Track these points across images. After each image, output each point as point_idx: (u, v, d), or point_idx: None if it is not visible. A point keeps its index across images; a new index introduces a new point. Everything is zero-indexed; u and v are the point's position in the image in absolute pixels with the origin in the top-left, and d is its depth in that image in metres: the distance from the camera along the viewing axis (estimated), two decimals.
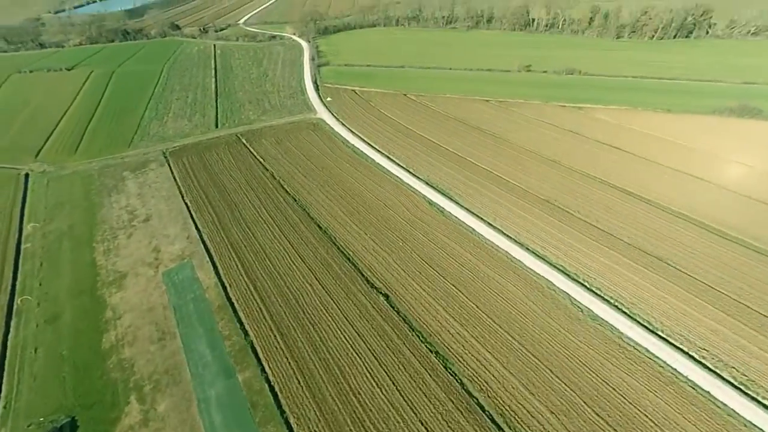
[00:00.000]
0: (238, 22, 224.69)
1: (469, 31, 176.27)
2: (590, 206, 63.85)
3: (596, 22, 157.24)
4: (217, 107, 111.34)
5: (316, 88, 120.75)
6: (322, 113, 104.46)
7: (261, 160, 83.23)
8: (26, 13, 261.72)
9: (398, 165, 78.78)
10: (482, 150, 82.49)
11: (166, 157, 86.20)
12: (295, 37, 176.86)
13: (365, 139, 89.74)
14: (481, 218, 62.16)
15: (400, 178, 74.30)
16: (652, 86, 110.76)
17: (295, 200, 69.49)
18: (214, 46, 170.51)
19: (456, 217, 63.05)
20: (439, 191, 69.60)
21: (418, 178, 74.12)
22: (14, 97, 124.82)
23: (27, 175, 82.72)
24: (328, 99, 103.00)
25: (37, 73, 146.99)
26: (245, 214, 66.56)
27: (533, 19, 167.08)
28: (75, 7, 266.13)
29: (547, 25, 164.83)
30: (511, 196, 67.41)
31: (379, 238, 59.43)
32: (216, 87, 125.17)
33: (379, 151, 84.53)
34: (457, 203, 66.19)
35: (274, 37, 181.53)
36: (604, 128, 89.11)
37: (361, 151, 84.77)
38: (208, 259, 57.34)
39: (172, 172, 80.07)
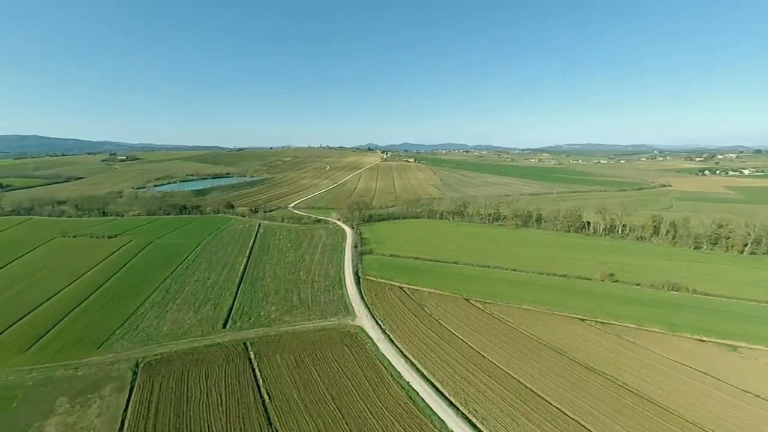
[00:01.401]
0: (288, 205, 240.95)
1: (518, 229, 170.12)
2: None
3: (662, 230, 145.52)
4: (236, 296, 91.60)
5: (357, 281, 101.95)
6: (362, 318, 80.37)
7: (265, 398, 53.85)
8: (116, 188, 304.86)
9: None
10: (620, 418, 49.58)
11: (135, 374, 59.27)
12: (339, 223, 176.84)
13: (425, 373, 60.41)
14: None
15: None
16: None
17: None
18: (259, 225, 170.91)
19: None
20: None
21: None
22: (35, 262, 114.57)
23: None
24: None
25: (79, 238, 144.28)
26: None
27: (588, 223, 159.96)
28: (154, 186, 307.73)
29: (605, 229, 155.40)
30: None
31: None
32: (244, 270, 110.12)
33: (451, 403, 53.50)
34: None
35: (318, 220, 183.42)
36: None
37: (423, 400, 54.01)
38: None
39: (126, 409, 51.09)
